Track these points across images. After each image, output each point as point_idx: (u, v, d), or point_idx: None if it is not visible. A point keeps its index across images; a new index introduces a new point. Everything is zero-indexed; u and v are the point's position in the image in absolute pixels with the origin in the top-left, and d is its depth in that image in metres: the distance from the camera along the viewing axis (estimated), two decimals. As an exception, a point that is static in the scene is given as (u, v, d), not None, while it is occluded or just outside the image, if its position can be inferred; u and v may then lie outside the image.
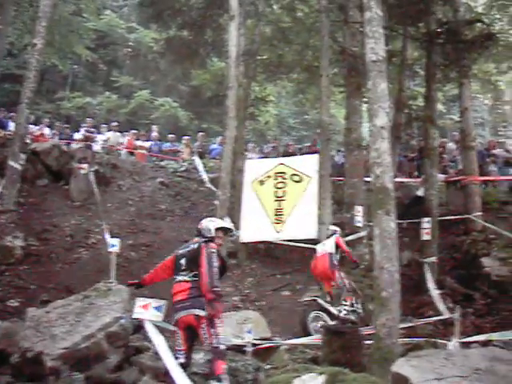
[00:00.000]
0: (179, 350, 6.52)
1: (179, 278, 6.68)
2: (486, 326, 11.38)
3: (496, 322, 11.51)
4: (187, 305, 6.48)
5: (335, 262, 11.08)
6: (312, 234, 12.47)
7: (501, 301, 12.41)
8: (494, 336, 9.10)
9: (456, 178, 16.79)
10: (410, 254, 14.22)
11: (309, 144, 21.83)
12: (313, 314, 10.55)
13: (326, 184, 13.10)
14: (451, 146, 19.48)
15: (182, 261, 6.76)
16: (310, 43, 19.08)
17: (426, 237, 13.48)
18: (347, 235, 12.95)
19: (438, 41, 14.18)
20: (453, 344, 8.34)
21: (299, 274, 14.13)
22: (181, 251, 6.93)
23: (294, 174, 13.09)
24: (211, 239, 6.86)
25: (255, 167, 14.21)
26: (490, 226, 14.31)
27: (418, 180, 16.98)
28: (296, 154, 18.81)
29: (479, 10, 21.93)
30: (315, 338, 9.53)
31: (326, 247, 11.27)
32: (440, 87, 17.74)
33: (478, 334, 9.77)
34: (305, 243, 13.23)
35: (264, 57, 20.05)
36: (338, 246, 11.28)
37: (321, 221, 12.73)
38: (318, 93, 16.42)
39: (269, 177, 13.50)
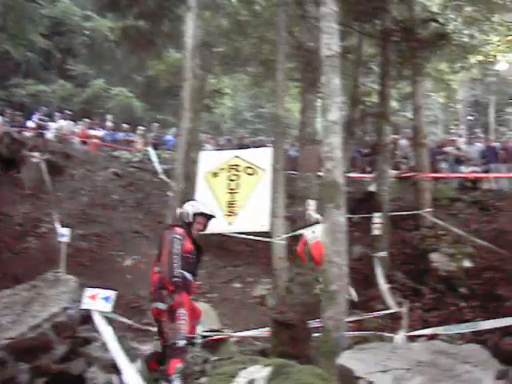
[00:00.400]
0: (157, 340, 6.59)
1: (155, 268, 6.67)
2: (432, 320, 11.56)
3: (442, 317, 11.71)
4: (152, 297, 6.53)
5: None
6: (264, 226, 12.48)
7: (448, 296, 12.63)
8: (440, 330, 9.28)
9: (408, 175, 17.05)
10: (361, 248, 14.39)
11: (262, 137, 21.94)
12: None
13: (279, 177, 13.14)
14: (404, 142, 19.76)
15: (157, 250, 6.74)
16: (267, 37, 19.06)
17: (376, 232, 13.61)
18: (299, 229, 13.05)
19: (393, 38, 14.34)
20: (399, 337, 8.47)
21: (251, 266, 14.20)
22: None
23: (248, 167, 13.04)
24: (188, 225, 6.79)
25: (209, 159, 14.13)
26: (439, 222, 14.57)
27: (371, 175, 17.18)
28: (251, 147, 18.85)
29: (434, 9, 22.20)
30: (264, 330, 9.58)
31: (318, 235, 11.51)
32: (394, 84, 17.98)
33: (424, 327, 9.94)
34: (257, 236, 13.26)
35: (221, 49, 19.98)
36: None
37: (273, 214, 12.76)
38: (273, 87, 16.45)
39: (222, 169, 13.43)
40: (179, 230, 6.67)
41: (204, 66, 17.47)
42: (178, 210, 7.16)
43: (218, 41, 19.43)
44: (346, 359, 5.29)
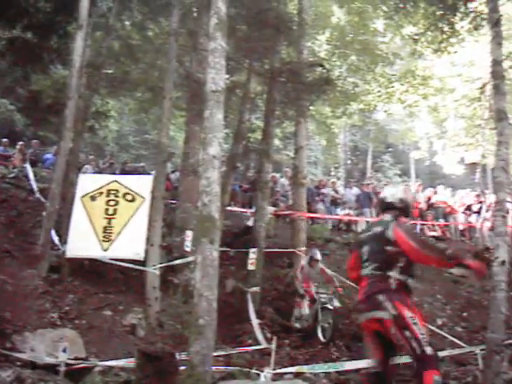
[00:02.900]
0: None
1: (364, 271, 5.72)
2: (300, 357, 11.74)
3: (309, 355, 11.92)
4: (363, 307, 5.59)
5: None
6: (139, 255, 12.32)
7: (316, 334, 12.89)
8: (305, 368, 9.45)
9: (285, 213, 17.39)
10: (235, 282, 14.43)
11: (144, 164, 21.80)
12: None
13: (158, 206, 13.02)
14: (284, 180, 20.17)
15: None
16: (157, 64, 19.02)
17: (251, 267, 13.74)
18: (175, 259, 12.98)
19: (280, 79, 14.66)
20: (265, 374, 8.53)
21: (123, 294, 13.88)
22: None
23: (127, 193, 12.88)
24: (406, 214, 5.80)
25: (88, 182, 13.83)
26: (312, 261, 14.89)
27: (250, 210, 17.37)
28: (133, 173, 18.68)
29: (322, 55, 23.09)
30: (131, 361, 9.37)
31: None
32: (278, 123, 18.35)
33: (292, 365, 10.07)
34: (131, 264, 13.04)
35: (109, 71, 19.71)
36: None
37: (149, 242, 12.62)
38: (159, 114, 16.39)
39: (101, 193, 13.17)
40: (405, 219, 5.60)
41: (90, 86, 17.13)
42: (399, 196, 5.89)
43: (107, 62, 19.14)
44: (210, 395, 5.27)
